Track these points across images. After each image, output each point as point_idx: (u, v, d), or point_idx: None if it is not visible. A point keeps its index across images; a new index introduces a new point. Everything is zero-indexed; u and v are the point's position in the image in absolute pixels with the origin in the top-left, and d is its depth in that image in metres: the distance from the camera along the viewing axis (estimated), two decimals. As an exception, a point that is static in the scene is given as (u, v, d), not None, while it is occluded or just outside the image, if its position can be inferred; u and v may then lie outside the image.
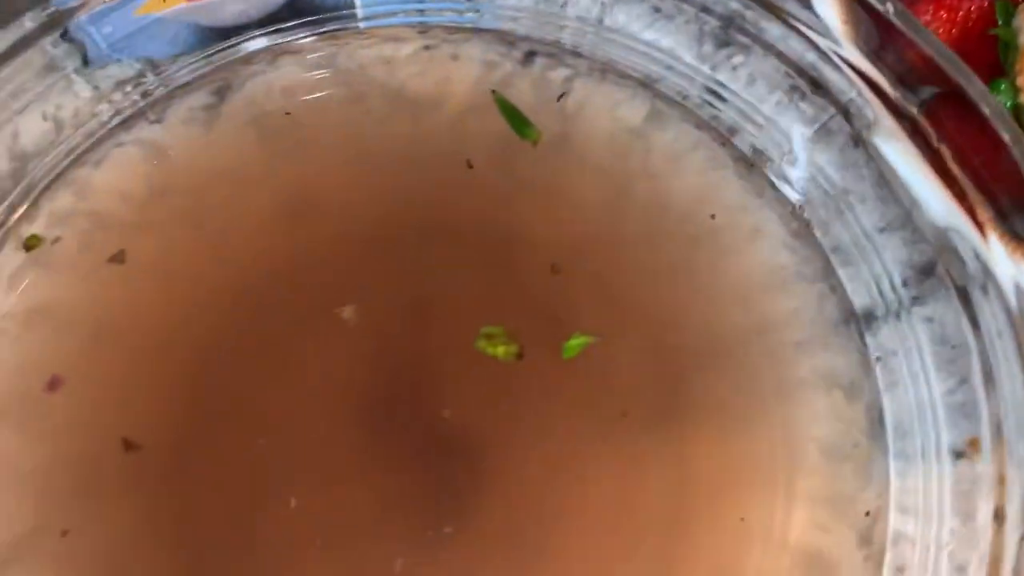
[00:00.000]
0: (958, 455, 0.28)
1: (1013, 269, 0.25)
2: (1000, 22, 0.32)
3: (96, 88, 0.33)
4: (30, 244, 0.32)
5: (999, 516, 0.27)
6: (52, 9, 0.30)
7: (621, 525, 0.30)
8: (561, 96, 0.34)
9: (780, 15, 0.31)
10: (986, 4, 0.32)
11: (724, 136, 0.33)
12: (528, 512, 0.31)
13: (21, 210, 0.32)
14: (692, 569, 0.30)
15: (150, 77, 0.33)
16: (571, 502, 0.30)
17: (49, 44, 0.31)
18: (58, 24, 0.31)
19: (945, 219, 0.28)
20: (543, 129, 0.33)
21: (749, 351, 0.32)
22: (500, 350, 0.32)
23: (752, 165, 0.33)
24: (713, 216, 0.32)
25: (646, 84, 0.34)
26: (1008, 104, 0.30)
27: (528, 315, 0.32)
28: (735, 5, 0.32)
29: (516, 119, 0.34)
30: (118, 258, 0.32)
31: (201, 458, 0.31)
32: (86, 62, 0.32)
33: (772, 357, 0.32)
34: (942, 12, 0.31)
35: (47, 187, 0.32)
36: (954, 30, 0.32)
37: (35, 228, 0.32)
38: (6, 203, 0.32)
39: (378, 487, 0.31)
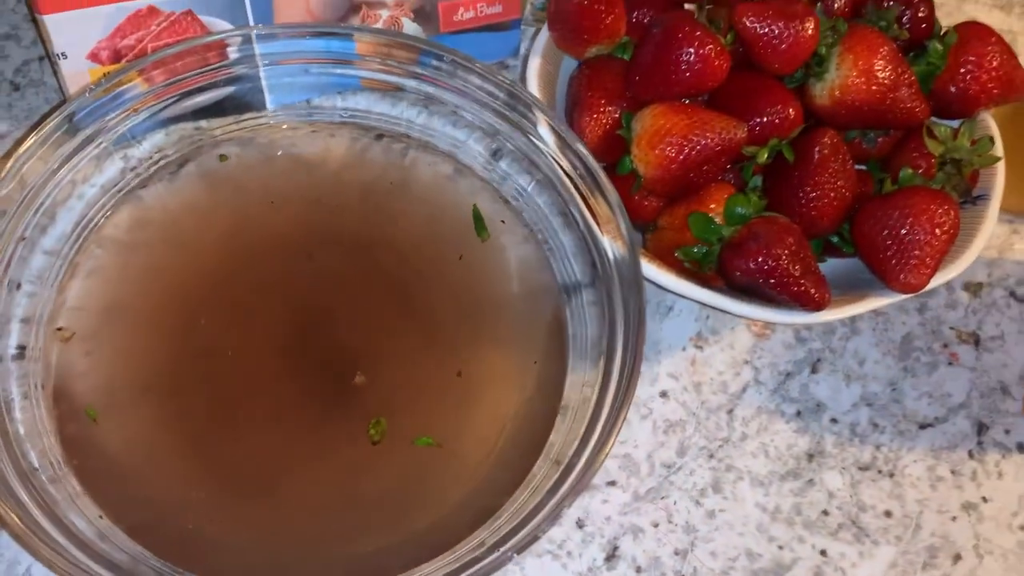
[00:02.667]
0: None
1: (610, 247, 0.46)
2: (623, 126, 0.50)
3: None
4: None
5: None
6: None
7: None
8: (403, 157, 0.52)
9: (525, 132, 0.50)
10: (617, 115, 0.50)
11: (494, 188, 0.53)
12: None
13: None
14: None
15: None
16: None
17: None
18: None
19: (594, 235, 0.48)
20: (392, 179, 0.52)
21: (501, 314, 0.50)
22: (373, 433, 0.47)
23: (508, 203, 0.52)
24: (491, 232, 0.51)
25: (450, 155, 0.53)
26: (629, 168, 0.49)
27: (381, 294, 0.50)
28: (497, 124, 0.51)
29: (479, 222, 0.51)
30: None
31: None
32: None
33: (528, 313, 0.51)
34: (593, 122, 0.50)
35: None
36: (600, 132, 0.50)
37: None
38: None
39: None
